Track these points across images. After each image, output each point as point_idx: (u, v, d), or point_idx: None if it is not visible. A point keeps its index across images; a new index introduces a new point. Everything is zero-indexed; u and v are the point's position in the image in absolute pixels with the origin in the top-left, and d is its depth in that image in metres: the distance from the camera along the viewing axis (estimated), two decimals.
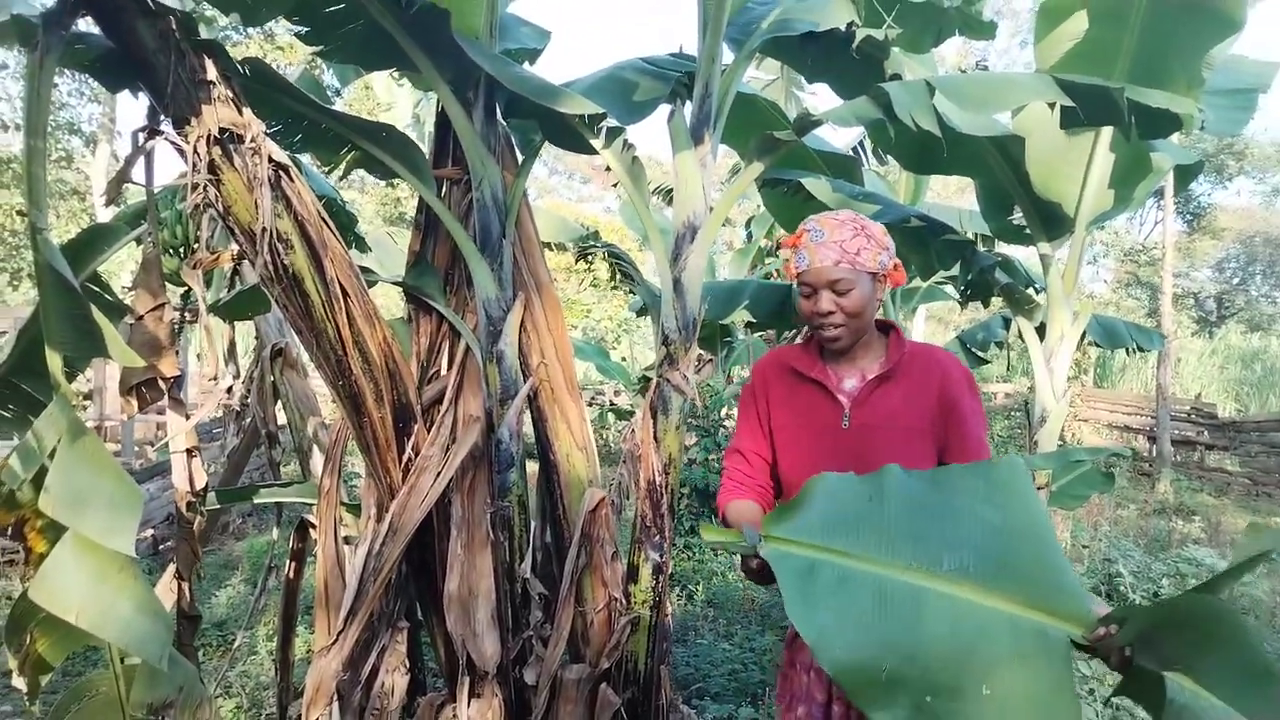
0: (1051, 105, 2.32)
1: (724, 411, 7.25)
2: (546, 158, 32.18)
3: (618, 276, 3.67)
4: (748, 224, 9.71)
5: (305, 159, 3.47)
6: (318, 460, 3.02)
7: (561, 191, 39.81)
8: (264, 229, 1.99)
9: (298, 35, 2.48)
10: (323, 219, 2.14)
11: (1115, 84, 2.22)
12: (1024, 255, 4.84)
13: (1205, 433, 12.24)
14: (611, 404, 11.33)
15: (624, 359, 14.21)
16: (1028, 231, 3.86)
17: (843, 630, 1.21)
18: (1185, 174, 3.88)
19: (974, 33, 2.92)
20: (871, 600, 1.23)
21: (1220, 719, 1.07)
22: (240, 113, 1.96)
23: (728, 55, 2.69)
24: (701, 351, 9.42)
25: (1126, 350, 4.81)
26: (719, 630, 4.50)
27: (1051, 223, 3.69)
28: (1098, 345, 4.74)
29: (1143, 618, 1.13)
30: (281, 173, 2.04)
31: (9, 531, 1.80)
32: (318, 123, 2.49)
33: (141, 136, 2.06)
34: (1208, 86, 3.31)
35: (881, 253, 1.70)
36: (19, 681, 1.83)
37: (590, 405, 11.67)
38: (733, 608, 4.85)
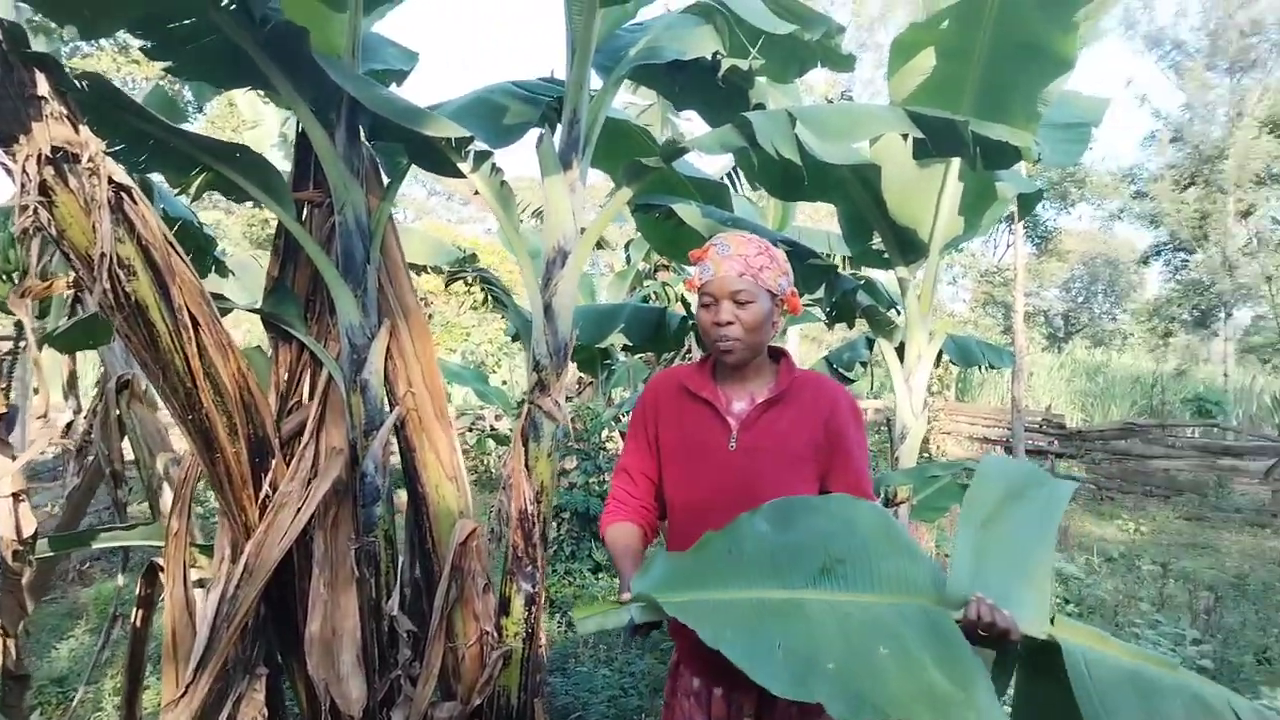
0: (905, 136, 2.44)
1: (605, 434, 7.25)
2: (425, 179, 31.61)
3: (489, 301, 3.62)
4: (627, 246, 9.78)
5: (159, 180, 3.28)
6: (167, 499, 2.83)
7: (440, 213, 39.18)
8: (103, 254, 1.86)
9: (144, 51, 2.35)
10: (170, 243, 2.02)
11: (961, 117, 2.35)
12: (886, 278, 5.05)
13: (1055, 442, 13.06)
14: (492, 429, 11.15)
15: (504, 383, 14.04)
16: (886, 256, 4.03)
17: (738, 633, 1.28)
18: (1028, 201, 4.14)
19: (835, 65, 3.05)
20: (752, 610, 1.32)
21: (1114, 675, 1.24)
22: (76, 130, 1.84)
23: (596, 81, 2.71)
24: (582, 374, 9.42)
25: (979, 368, 5.07)
26: (599, 656, 4.46)
27: (908, 247, 3.87)
28: (955, 363, 4.98)
29: None
30: (124, 194, 1.92)
31: None
32: (165, 142, 2.37)
33: None
34: (1045, 120, 3.55)
35: (782, 276, 1.73)
36: None
37: (470, 430, 11.45)
38: (613, 634, 4.82)
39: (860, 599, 1.32)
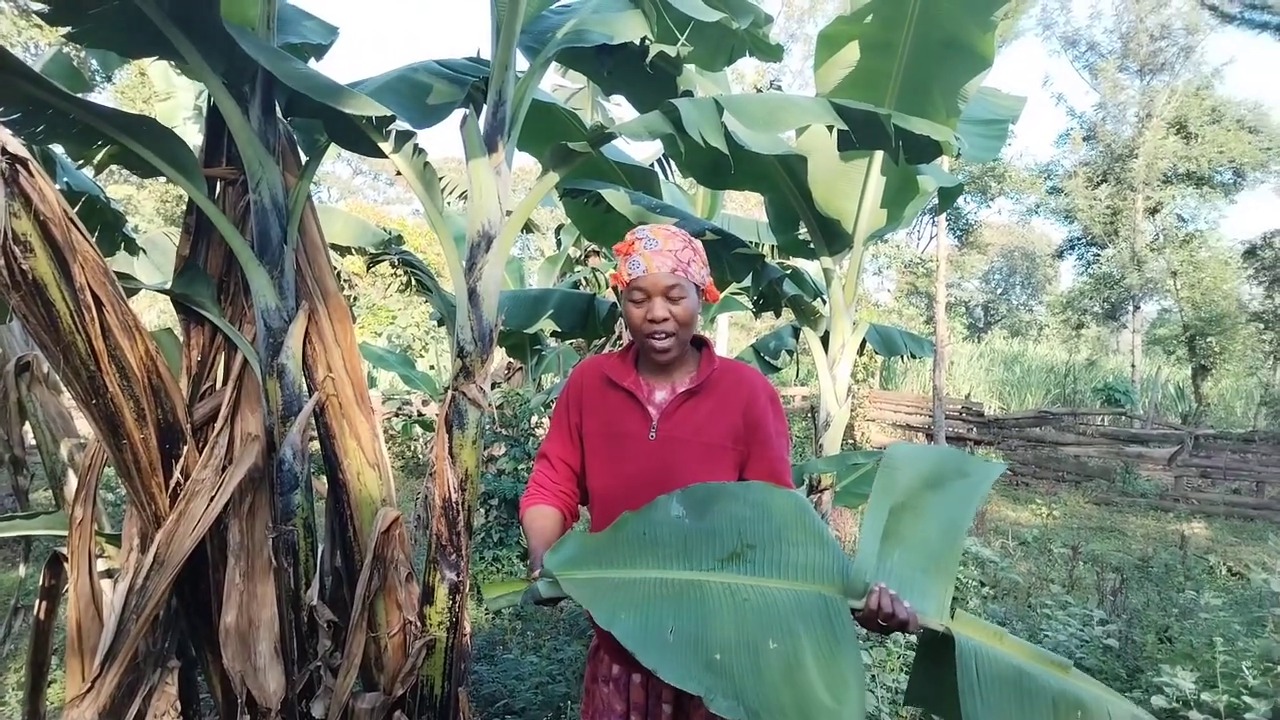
0: (830, 128, 2.47)
1: (534, 420, 7.20)
2: (350, 157, 30.87)
3: (414, 285, 3.55)
4: (558, 231, 9.71)
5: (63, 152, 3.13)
6: (71, 487, 2.72)
7: (366, 193, 38.36)
8: None
9: (42, 16, 2.24)
10: (70, 219, 1.93)
11: (884, 110, 2.40)
12: (814, 268, 5.13)
13: (974, 429, 13.49)
14: (419, 414, 10.98)
15: (431, 368, 13.84)
16: (812, 246, 4.09)
17: (631, 616, 1.29)
18: (948, 195, 4.25)
19: (763, 55, 3.07)
20: (651, 590, 1.34)
21: (1000, 672, 1.29)
22: None
23: (523, 62, 2.68)
24: (511, 360, 9.34)
25: (902, 357, 5.20)
26: (526, 643, 4.45)
27: (833, 238, 3.93)
28: (878, 352, 5.09)
29: None
30: (19, 166, 1.82)
31: None
32: (65, 112, 2.25)
33: None
34: (965, 116, 3.64)
35: (704, 268, 1.75)
36: None
37: (397, 416, 11.26)
38: (540, 619, 4.81)
39: (763, 583, 1.33)
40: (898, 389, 17.96)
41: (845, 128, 2.43)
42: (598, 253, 9.04)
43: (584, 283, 8.60)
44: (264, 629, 2.22)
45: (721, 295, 5.42)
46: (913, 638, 1.44)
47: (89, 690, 2.04)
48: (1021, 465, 12.11)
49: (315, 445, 2.50)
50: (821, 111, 2.44)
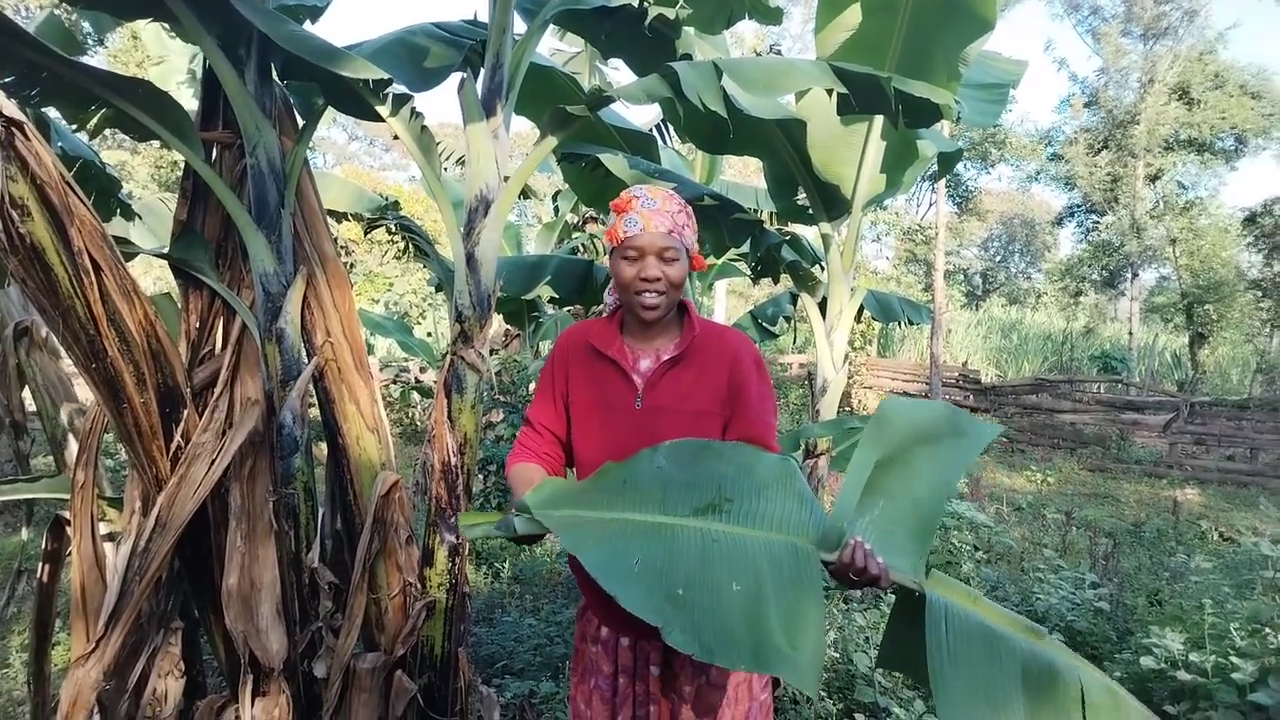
0: (830, 91, 2.46)
1: (531, 386, 7.23)
2: (345, 122, 30.58)
3: (411, 251, 3.54)
4: (555, 197, 9.66)
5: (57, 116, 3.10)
6: (72, 451, 2.73)
7: (362, 158, 38.03)
8: None
9: None
10: (68, 183, 1.92)
11: (884, 74, 2.38)
12: (812, 234, 5.11)
13: (971, 396, 13.54)
14: (417, 381, 11.00)
15: (429, 335, 13.83)
16: (811, 212, 4.08)
17: (599, 546, 1.30)
18: (948, 160, 4.23)
19: (762, 18, 3.04)
20: (624, 529, 1.35)
21: (970, 631, 1.30)
22: None
23: (520, 25, 2.65)
24: (509, 326, 9.34)
25: (899, 324, 5.21)
26: (525, 606, 4.50)
27: (831, 204, 3.92)
28: (876, 319, 5.10)
29: None
30: (15, 130, 1.81)
31: None
32: (61, 75, 2.23)
33: None
34: (966, 80, 3.61)
35: (695, 234, 1.75)
36: None
37: (395, 383, 11.28)
38: (539, 583, 4.86)
39: (736, 531, 1.33)
40: (895, 356, 18.00)
41: (845, 91, 2.42)
42: (595, 219, 9.00)
43: (581, 249, 8.57)
44: (266, 591, 2.25)
45: (720, 261, 5.41)
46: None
47: (93, 650, 2.07)
48: (1018, 432, 12.17)
49: (315, 410, 2.51)
50: (821, 75, 2.42)
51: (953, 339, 18.68)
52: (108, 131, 2.58)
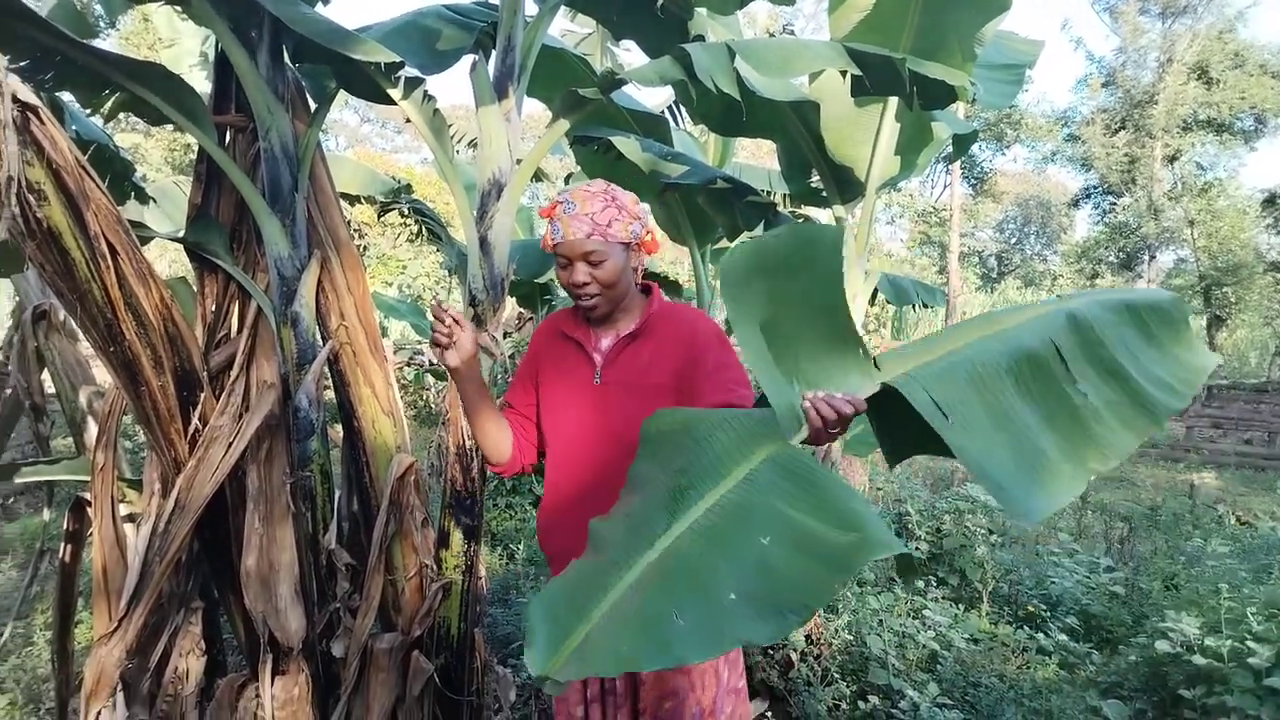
0: (844, 73, 2.44)
1: None
2: (357, 105, 30.54)
3: (424, 234, 3.54)
4: (567, 180, 9.63)
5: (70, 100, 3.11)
6: (91, 433, 2.76)
7: (375, 141, 38.05)
8: (10, 178, 1.77)
9: None
10: (83, 167, 1.93)
11: (899, 55, 2.36)
12: (826, 217, 5.08)
13: None
14: (430, 364, 11.04)
15: None
16: (824, 194, 4.06)
17: (633, 633, 1.09)
18: (963, 142, 4.19)
19: None
20: (635, 593, 1.14)
21: (950, 381, 1.28)
22: None
23: (532, 7, 2.64)
24: (522, 310, 9.35)
25: (914, 306, 5.18)
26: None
27: (845, 186, 3.90)
28: (890, 302, 5.07)
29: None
30: (30, 114, 1.82)
31: None
32: (74, 59, 2.23)
33: None
34: (981, 61, 3.58)
35: (633, 223, 1.76)
36: None
37: (409, 365, 11.33)
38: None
39: (716, 498, 1.20)
40: (909, 339, 17.92)
41: (859, 73, 2.40)
42: None
43: None
44: (284, 572, 2.27)
45: (733, 245, 5.39)
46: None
47: (116, 629, 2.10)
48: None
49: (330, 393, 2.53)
50: (835, 56, 2.40)
51: None
52: (120, 115, 2.59)
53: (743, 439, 1.29)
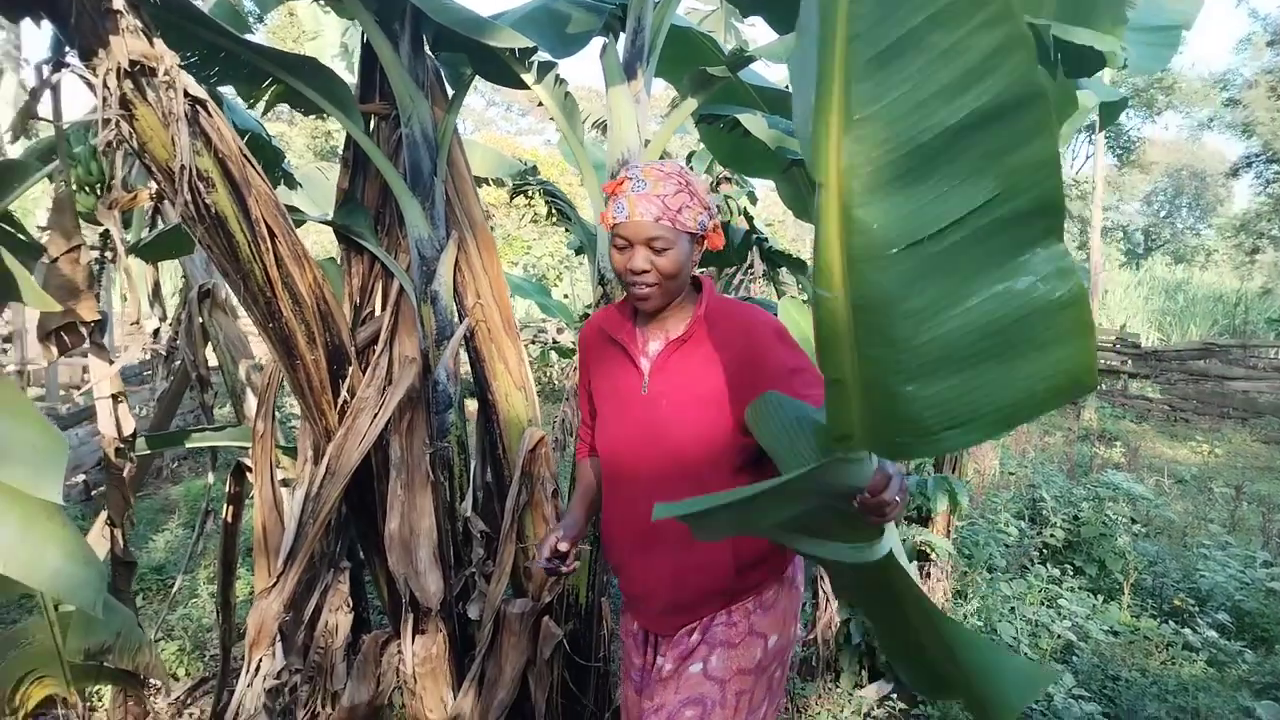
0: None
1: None
2: (483, 89, 31.37)
3: (554, 214, 3.63)
4: (689, 159, 9.62)
5: (227, 92, 3.34)
6: (251, 403, 2.97)
7: (499, 124, 38.97)
8: (182, 167, 1.92)
9: None
10: (245, 156, 2.07)
11: (1041, 20, 2.25)
12: None
13: (1129, 362, 12.73)
14: (554, 342, 11.29)
15: (566, 296, 14.13)
16: None
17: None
18: (1111, 111, 3.94)
19: None
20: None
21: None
22: (151, 44, 1.87)
23: None
24: None
25: None
26: None
27: None
28: None
29: None
30: (199, 108, 1.96)
31: None
32: (236, 55, 2.40)
33: (46, 69, 1.97)
34: (1133, 23, 3.35)
35: (703, 213, 1.61)
36: None
37: (533, 343, 11.62)
38: None
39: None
40: None
41: None
42: (728, 179, 8.90)
43: (715, 211, 8.52)
44: (423, 537, 2.40)
45: None
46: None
47: (275, 585, 2.27)
48: (1181, 400, 11.39)
49: (465, 369, 2.64)
50: None
51: (1109, 300, 17.56)
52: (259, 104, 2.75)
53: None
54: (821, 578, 3.25)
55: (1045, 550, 4.50)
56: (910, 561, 3.40)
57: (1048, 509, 4.75)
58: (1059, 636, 3.41)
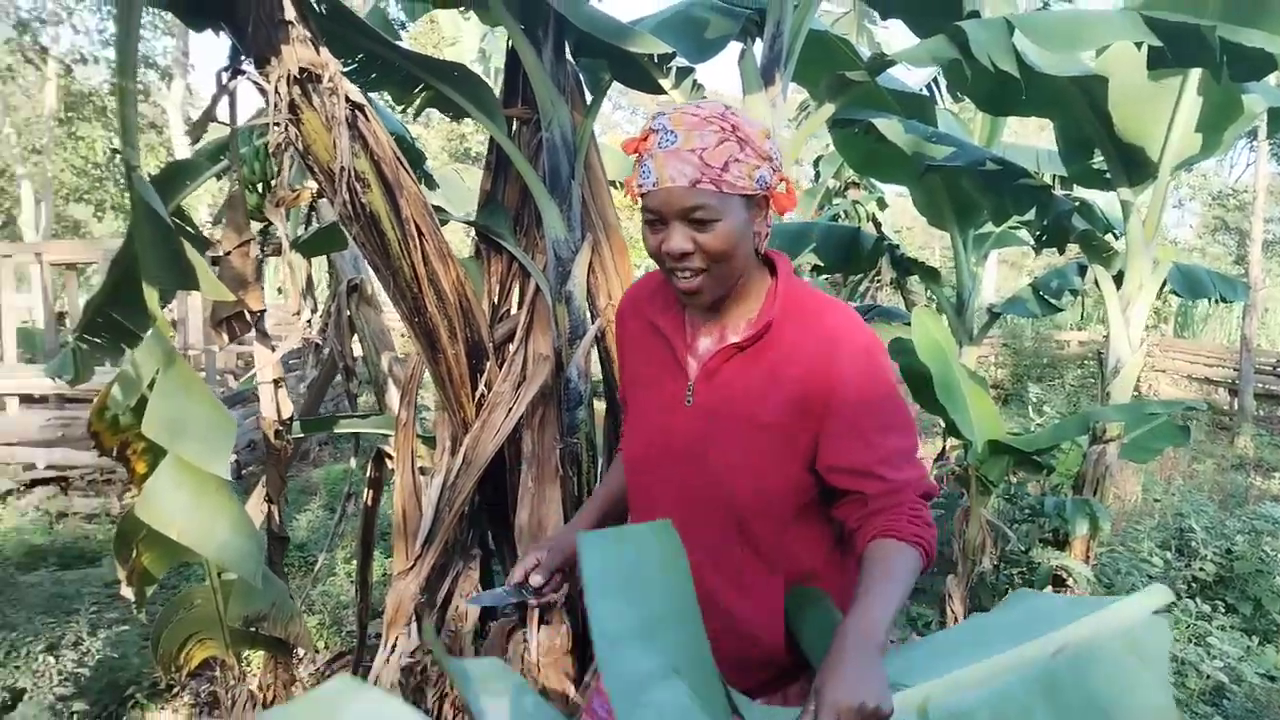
0: (1138, 45, 2.24)
1: None
2: (610, 93, 31.88)
3: None
4: (816, 163, 9.52)
5: (376, 97, 3.52)
6: (392, 393, 3.13)
7: (625, 127, 39.35)
8: (342, 168, 2.04)
9: None
10: (398, 158, 2.18)
11: (1207, 22, 2.13)
12: (1104, 200, 4.67)
13: None
14: None
15: None
16: (1108, 176, 3.73)
17: None
18: (1278, 116, 3.69)
19: None
20: None
21: None
22: (318, 52, 2.00)
23: None
24: None
25: (1209, 300, 4.65)
26: None
27: (1134, 167, 3.56)
28: (1178, 295, 4.59)
29: None
30: (358, 112, 2.08)
31: (114, 453, 1.94)
32: (390, 61, 2.53)
33: (224, 76, 2.13)
34: None
35: (761, 165, 1.17)
36: (127, 591, 1.99)
37: None
38: None
39: None
40: (1195, 338, 16.00)
41: (1158, 44, 2.19)
42: (857, 184, 8.77)
43: (843, 215, 8.40)
44: (551, 529, 2.46)
45: (999, 230, 5.09)
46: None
47: (412, 567, 2.38)
48: None
49: (595, 368, 2.70)
50: (1130, 26, 2.21)
51: (1270, 319, 16.29)
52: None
53: None
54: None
55: (1194, 584, 4.22)
56: (1045, 586, 3.26)
57: (1197, 540, 4.45)
58: (1208, 677, 3.20)
